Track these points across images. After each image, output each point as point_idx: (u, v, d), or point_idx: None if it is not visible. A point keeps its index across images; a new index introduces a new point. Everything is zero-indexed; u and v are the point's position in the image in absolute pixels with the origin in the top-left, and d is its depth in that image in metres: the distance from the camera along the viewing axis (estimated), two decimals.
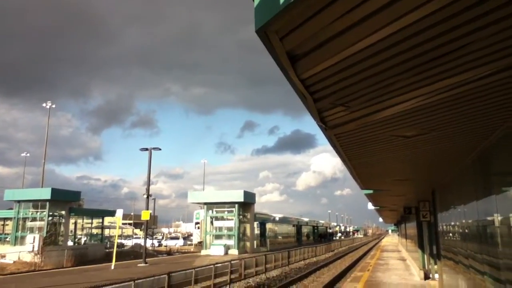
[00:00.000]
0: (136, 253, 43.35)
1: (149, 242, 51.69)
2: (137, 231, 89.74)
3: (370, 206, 24.70)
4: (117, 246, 29.45)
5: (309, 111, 4.37)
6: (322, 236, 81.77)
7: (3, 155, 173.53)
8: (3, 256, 32.26)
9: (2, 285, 17.25)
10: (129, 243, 57.95)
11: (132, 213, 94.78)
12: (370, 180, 10.55)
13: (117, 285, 12.24)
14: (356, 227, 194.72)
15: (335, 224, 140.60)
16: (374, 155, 6.83)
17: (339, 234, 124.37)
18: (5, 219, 46.19)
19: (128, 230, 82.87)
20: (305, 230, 72.84)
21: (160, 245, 61.57)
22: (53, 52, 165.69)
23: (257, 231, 45.32)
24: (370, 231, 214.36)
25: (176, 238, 70.99)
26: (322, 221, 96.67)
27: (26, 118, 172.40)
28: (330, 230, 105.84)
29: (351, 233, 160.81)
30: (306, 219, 74.64)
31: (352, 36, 2.91)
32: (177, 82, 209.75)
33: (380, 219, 51.95)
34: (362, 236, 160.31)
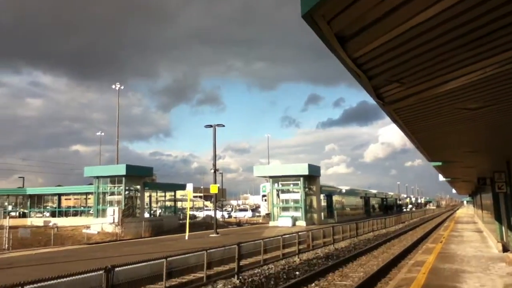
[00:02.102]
0: (207, 224, 45.33)
1: (219, 214, 53.74)
2: (207, 203, 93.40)
3: (441, 177, 23.81)
4: (190, 218, 30.95)
5: (364, 88, 4.37)
6: (389, 207, 79.68)
7: (81, 135, 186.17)
8: (88, 227, 35.13)
9: (90, 253, 18.93)
10: (200, 214, 60.54)
11: (202, 187, 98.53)
12: (437, 153, 10.21)
13: (192, 254, 13.06)
14: (428, 198, 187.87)
15: (405, 195, 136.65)
16: (438, 128, 6.63)
17: (409, 206, 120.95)
18: (87, 193, 50.15)
19: (199, 203, 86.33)
20: (373, 202, 71.69)
21: (230, 216, 63.73)
22: (122, 37, 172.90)
23: (323, 203, 45.39)
24: (443, 203, 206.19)
25: (245, 210, 72.94)
26: (391, 193, 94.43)
27: (100, 99, 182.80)
28: (400, 202, 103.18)
29: (422, 205, 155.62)
30: (374, 191, 73.35)
31: (404, 13, 2.87)
32: (238, 58, 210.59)
33: (454, 190, 49.80)
34: (434, 207, 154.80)
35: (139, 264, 10.41)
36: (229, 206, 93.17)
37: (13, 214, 48.59)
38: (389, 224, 44.23)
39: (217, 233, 29.10)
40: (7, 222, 28.68)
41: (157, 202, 50.79)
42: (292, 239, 20.41)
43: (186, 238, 26.14)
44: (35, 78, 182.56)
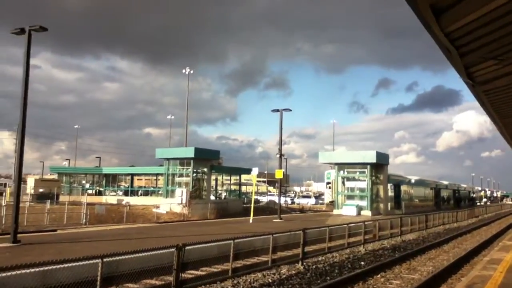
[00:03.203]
0: (270, 209, 45.69)
1: (282, 200, 54.01)
2: (270, 188, 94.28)
3: None
4: (254, 202, 31.31)
5: (454, 67, 4.02)
6: (460, 200, 75.27)
7: (153, 118, 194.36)
8: (158, 207, 36.75)
9: (160, 232, 19.77)
10: (264, 199, 61.16)
11: (265, 172, 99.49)
12: None
13: (258, 237, 13.21)
14: (505, 192, 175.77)
15: (480, 188, 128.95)
16: None
17: (484, 200, 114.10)
18: (157, 174, 52.56)
19: (263, 187, 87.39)
20: (444, 193, 68.32)
21: (293, 202, 63.88)
22: (192, 21, 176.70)
23: (391, 193, 43.98)
24: None
25: (308, 196, 72.72)
26: (464, 185, 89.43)
27: (171, 83, 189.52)
28: (473, 195, 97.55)
29: (499, 199, 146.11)
30: (445, 182, 69.80)
31: None
32: (307, 40, 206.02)
33: None
34: None
35: (208, 244, 10.69)
36: (292, 192, 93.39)
37: (89, 191, 52.08)
38: (461, 218, 42.00)
39: (281, 219, 29.25)
40: (85, 199, 30.74)
41: (222, 185, 51.97)
42: (357, 228, 20.00)
43: (251, 221, 26.53)
44: (112, 63, 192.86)
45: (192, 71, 57.07)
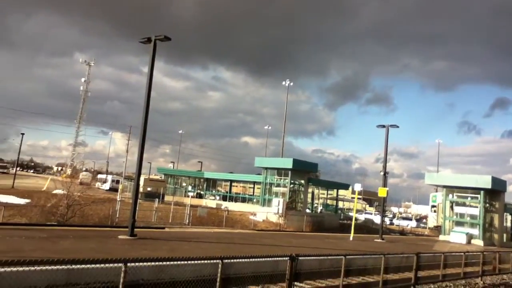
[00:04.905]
0: (368, 227, 43.84)
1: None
2: (366, 206, 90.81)
3: None
4: (351, 220, 30.16)
5: None
6: None
7: (251, 127, 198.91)
8: (254, 214, 37.10)
9: (260, 239, 19.80)
10: (360, 217, 58.90)
11: (361, 188, 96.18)
12: None
13: (369, 256, 12.50)
14: None
15: None
16: None
17: None
18: (254, 182, 53.32)
19: (359, 205, 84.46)
20: None
21: (391, 223, 60.60)
22: (296, 34, 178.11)
23: (507, 223, 39.70)
24: None
25: (408, 219, 68.51)
26: None
27: (271, 94, 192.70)
28: None
29: None
30: None
31: None
32: (414, 56, 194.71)
33: None
34: None
35: (318, 257, 10.28)
36: (390, 212, 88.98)
37: (190, 194, 54.35)
38: None
39: (383, 239, 27.75)
40: (189, 201, 32.02)
41: (318, 198, 51.07)
42: (474, 257, 18.11)
43: (351, 239, 25.52)
44: (218, 73, 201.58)
45: (292, 83, 57.64)
